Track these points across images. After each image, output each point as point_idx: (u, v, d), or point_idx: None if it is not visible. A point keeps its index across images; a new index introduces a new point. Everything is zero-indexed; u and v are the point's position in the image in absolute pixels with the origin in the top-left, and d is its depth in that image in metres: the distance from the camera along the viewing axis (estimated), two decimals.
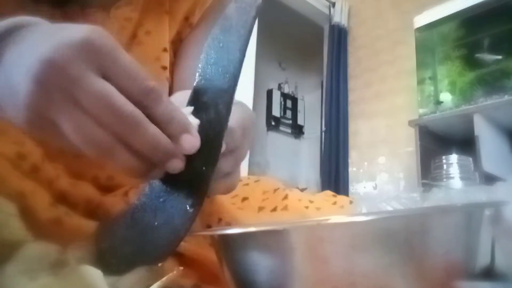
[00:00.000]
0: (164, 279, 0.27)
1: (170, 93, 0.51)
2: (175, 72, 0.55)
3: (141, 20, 0.51)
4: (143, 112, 0.26)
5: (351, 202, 0.52)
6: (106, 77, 0.25)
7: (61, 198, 0.35)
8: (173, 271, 0.28)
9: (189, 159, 0.29)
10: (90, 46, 0.24)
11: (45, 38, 0.25)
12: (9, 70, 0.26)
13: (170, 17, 0.53)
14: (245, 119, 0.34)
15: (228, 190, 0.34)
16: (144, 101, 0.26)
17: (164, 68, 0.52)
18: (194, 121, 0.30)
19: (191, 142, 0.28)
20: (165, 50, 0.52)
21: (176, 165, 0.28)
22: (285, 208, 0.49)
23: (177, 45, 0.56)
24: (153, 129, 0.26)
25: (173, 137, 0.27)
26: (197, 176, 0.29)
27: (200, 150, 0.29)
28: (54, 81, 0.24)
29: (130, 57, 0.26)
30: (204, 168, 0.29)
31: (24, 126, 0.26)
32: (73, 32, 0.25)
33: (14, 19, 0.28)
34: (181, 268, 0.28)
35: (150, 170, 0.28)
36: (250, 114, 0.37)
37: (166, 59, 0.52)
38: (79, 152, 0.26)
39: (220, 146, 0.30)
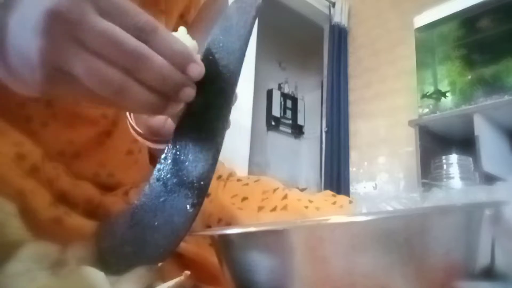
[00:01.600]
0: (171, 284, 0.27)
1: None
2: None
3: None
4: None
5: (350, 201, 0.52)
6: (103, 17, 0.26)
7: (61, 198, 0.35)
8: (179, 274, 0.28)
9: (190, 156, 0.29)
10: None
11: None
12: (16, 37, 0.26)
13: (166, 16, 0.54)
14: None
15: None
16: (141, 36, 0.26)
17: None
18: (192, 44, 0.30)
19: (197, 70, 0.29)
20: None
21: (189, 93, 0.29)
22: (284, 208, 0.49)
23: None
24: (159, 60, 0.27)
25: (179, 68, 0.28)
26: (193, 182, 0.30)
27: (200, 148, 0.29)
28: (59, 29, 0.25)
29: None
30: (203, 164, 0.29)
31: (42, 86, 0.27)
32: None
33: None
34: (188, 272, 0.28)
35: (166, 104, 0.29)
36: None
37: None
38: (97, 101, 0.27)
39: (221, 143, 0.30)
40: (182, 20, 0.57)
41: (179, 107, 0.30)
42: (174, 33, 0.30)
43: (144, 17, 0.27)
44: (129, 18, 0.26)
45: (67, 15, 0.24)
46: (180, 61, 0.28)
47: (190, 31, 0.57)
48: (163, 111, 0.29)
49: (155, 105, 0.28)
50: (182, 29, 0.31)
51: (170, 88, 0.28)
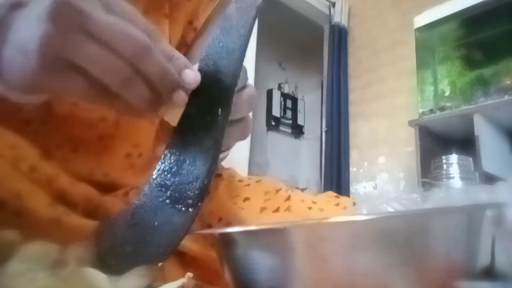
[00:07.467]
0: (173, 286, 0.27)
1: None
2: None
3: None
4: None
5: (354, 203, 0.52)
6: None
7: (61, 198, 0.35)
8: (180, 273, 0.27)
9: (190, 156, 0.29)
10: None
11: None
12: (18, 32, 0.27)
13: (171, 21, 0.53)
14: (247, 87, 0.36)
15: (241, 136, 0.37)
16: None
17: None
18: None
19: (193, 76, 0.30)
20: None
21: (181, 97, 0.30)
22: (288, 209, 0.49)
23: (182, 50, 0.56)
24: (161, 56, 0.28)
25: (176, 71, 0.30)
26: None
27: (200, 147, 0.29)
28: (66, 18, 0.25)
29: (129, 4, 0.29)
30: (203, 163, 0.29)
31: (40, 76, 0.27)
32: None
33: None
34: (191, 274, 0.27)
35: (160, 104, 0.30)
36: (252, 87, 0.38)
37: None
38: (95, 99, 0.28)
39: (221, 142, 0.30)
40: (191, 26, 0.56)
41: (169, 110, 0.31)
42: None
43: (151, 25, 0.28)
44: (138, 22, 0.28)
45: (75, 5, 0.25)
46: (177, 65, 0.30)
47: (198, 38, 0.57)
48: (156, 111, 0.30)
49: (150, 102, 0.29)
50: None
51: (166, 85, 0.29)
